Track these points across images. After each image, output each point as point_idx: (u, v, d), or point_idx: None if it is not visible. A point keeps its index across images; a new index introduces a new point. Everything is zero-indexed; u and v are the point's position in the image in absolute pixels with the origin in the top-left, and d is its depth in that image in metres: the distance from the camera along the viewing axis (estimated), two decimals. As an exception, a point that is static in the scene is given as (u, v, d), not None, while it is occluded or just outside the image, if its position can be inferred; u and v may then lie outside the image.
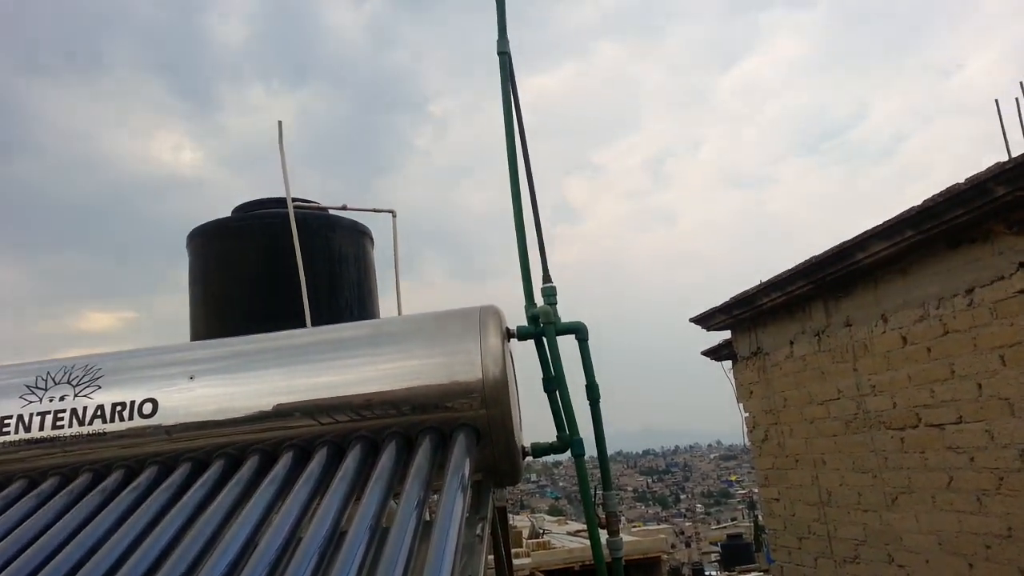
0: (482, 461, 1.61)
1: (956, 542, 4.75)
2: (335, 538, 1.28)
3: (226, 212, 4.11)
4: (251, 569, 1.18)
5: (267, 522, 1.34)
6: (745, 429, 7.39)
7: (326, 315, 3.36)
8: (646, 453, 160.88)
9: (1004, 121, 5.99)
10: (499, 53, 2.17)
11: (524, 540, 19.92)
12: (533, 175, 2.24)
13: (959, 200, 4.31)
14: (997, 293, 4.34)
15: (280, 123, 3.57)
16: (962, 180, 4.22)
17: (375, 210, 4.11)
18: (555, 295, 2.06)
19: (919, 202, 4.56)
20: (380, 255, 4.17)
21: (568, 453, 1.98)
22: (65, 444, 1.62)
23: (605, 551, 2.00)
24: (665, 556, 22.13)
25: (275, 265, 3.48)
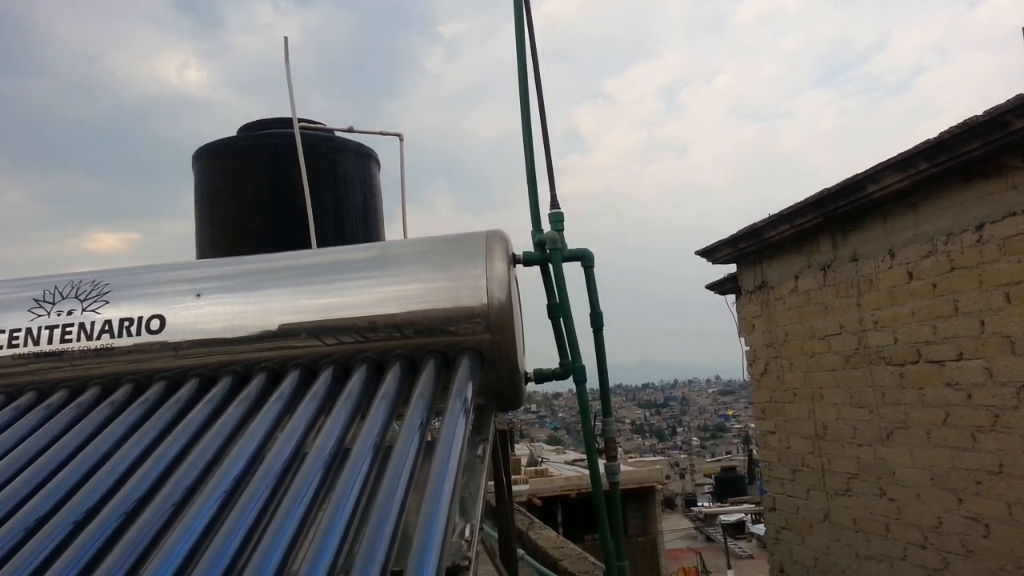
0: (485, 385, 1.63)
1: (948, 477, 4.84)
2: (340, 455, 1.30)
3: (232, 133, 4.06)
4: (257, 482, 1.20)
5: (273, 438, 1.36)
6: (745, 363, 7.45)
7: (331, 238, 3.35)
8: (645, 386, 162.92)
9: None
10: None
11: (523, 468, 20.34)
12: (544, 97, 2.19)
13: (975, 132, 4.24)
14: (1007, 229, 4.31)
15: (286, 39, 3.48)
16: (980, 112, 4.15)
17: (382, 132, 4.04)
18: (562, 221, 2.04)
19: (935, 134, 4.49)
20: (387, 180, 4.14)
21: (569, 381, 2.00)
22: (73, 358, 1.63)
23: (603, 477, 2.03)
24: (660, 487, 22.62)
25: (281, 186, 3.45)
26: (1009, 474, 4.37)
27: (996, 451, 4.46)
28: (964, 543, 4.70)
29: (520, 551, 3.76)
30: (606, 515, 2.00)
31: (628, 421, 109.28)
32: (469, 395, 1.48)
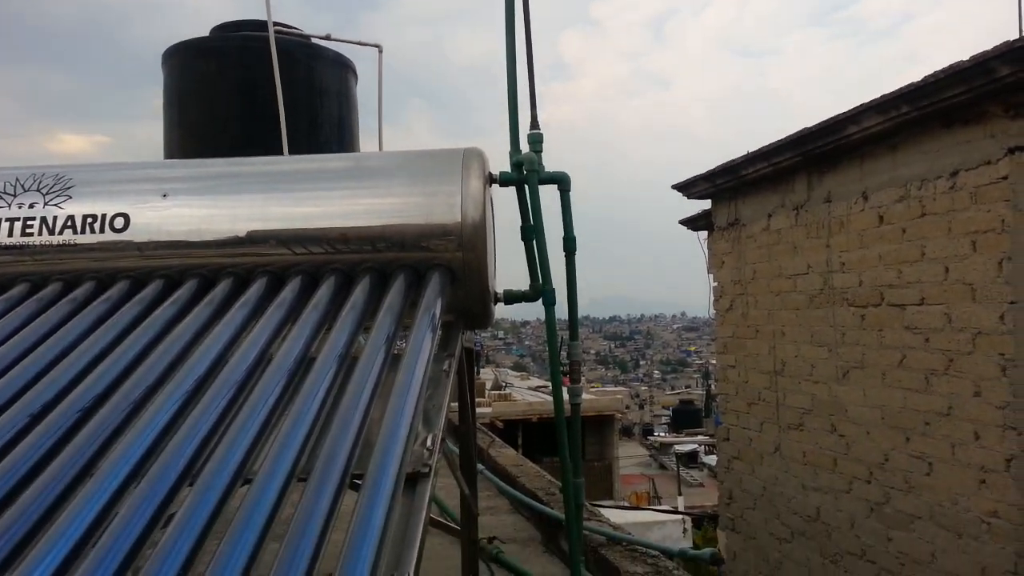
0: (454, 302, 1.62)
1: (898, 417, 4.98)
2: (304, 362, 1.30)
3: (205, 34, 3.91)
4: (219, 386, 1.19)
5: (237, 342, 1.35)
6: (712, 299, 7.54)
7: (304, 148, 3.27)
8: (612, 319, 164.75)
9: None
10: None
11: (487, 392, 20.67)
12: (531, 15, 2.13)
13: (960, 78, 4.21)
14: (981, 177, 4.33)
15: None
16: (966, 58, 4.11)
17: (360, 43, 3.93)
18: (541, 142, 2.01)
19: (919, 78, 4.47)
20: (363, 95, 4.03)
21: (538, 309, 2.01)
22: (34, 252, 1.59)
23: (566, 399, 2.06)
24: (619, 415, 23.15)
25: (253, 91, 3.35)
26: (957, 416, 4.51)
27: (947, 394, 4.60)
28: (907, 479, 4.88)
29: (480, 466, 3.83)
30: (566, 434, 2.04)
31: (593, 352, 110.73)
32: (438, 311, 1.48)
